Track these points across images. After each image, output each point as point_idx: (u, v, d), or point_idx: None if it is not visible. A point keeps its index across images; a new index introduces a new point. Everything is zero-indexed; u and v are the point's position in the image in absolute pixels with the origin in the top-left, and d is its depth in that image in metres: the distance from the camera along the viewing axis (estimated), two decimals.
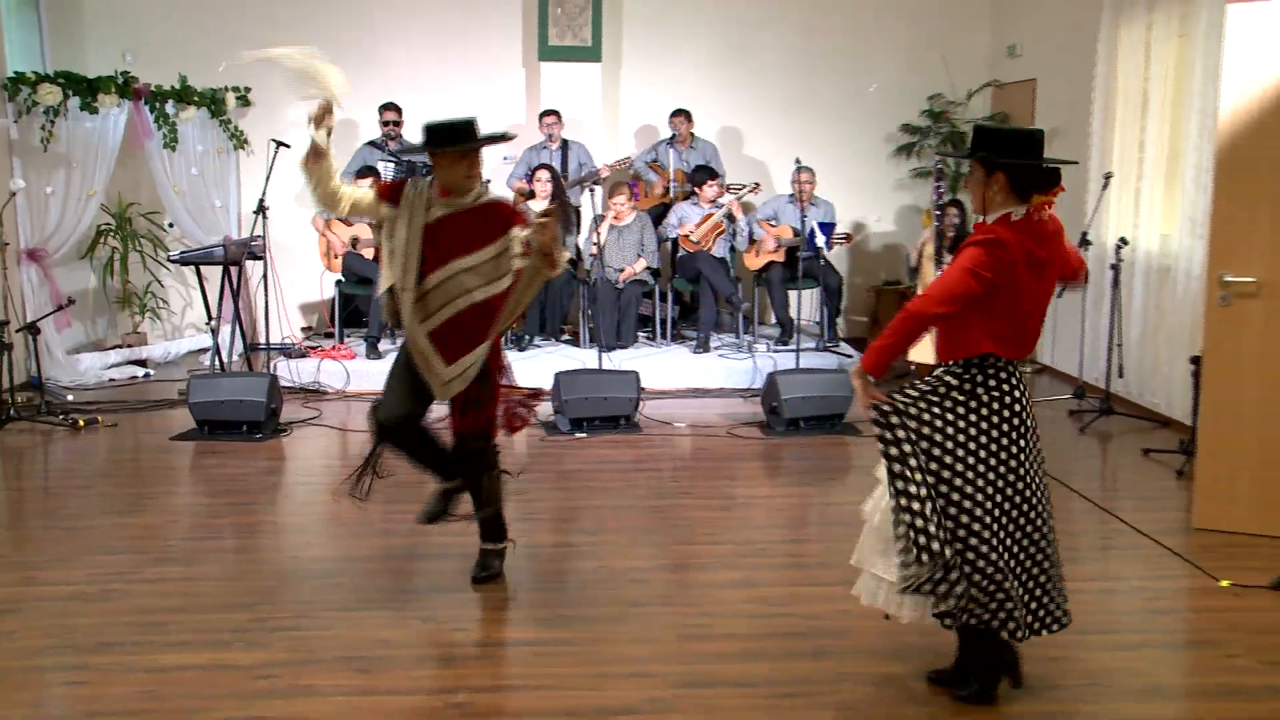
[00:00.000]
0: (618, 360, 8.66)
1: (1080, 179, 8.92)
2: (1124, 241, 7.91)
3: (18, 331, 7.89)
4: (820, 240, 9.09)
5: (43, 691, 4.06)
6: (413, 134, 10.26)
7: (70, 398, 8.52)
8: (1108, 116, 8.52)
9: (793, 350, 8.87)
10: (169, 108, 9.56)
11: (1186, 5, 7.57)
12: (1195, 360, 6.31)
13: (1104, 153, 8.56)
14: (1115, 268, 7.88)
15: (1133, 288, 8.10)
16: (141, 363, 9.72)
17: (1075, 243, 8.31)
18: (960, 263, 3.70)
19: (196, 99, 9.75)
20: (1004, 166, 3.78)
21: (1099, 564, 5.40)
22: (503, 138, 5.06)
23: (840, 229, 9.75)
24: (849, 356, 9.16)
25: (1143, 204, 8.13)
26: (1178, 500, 6.13)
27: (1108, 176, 8.26)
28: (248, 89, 10.19)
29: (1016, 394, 3.82)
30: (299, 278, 10.27)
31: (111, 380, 9.24)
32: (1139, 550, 5.42)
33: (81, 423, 7.73)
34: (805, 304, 10.33)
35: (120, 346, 9.95)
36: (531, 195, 9.48)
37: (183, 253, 9.11)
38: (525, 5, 10.60)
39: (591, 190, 9.74)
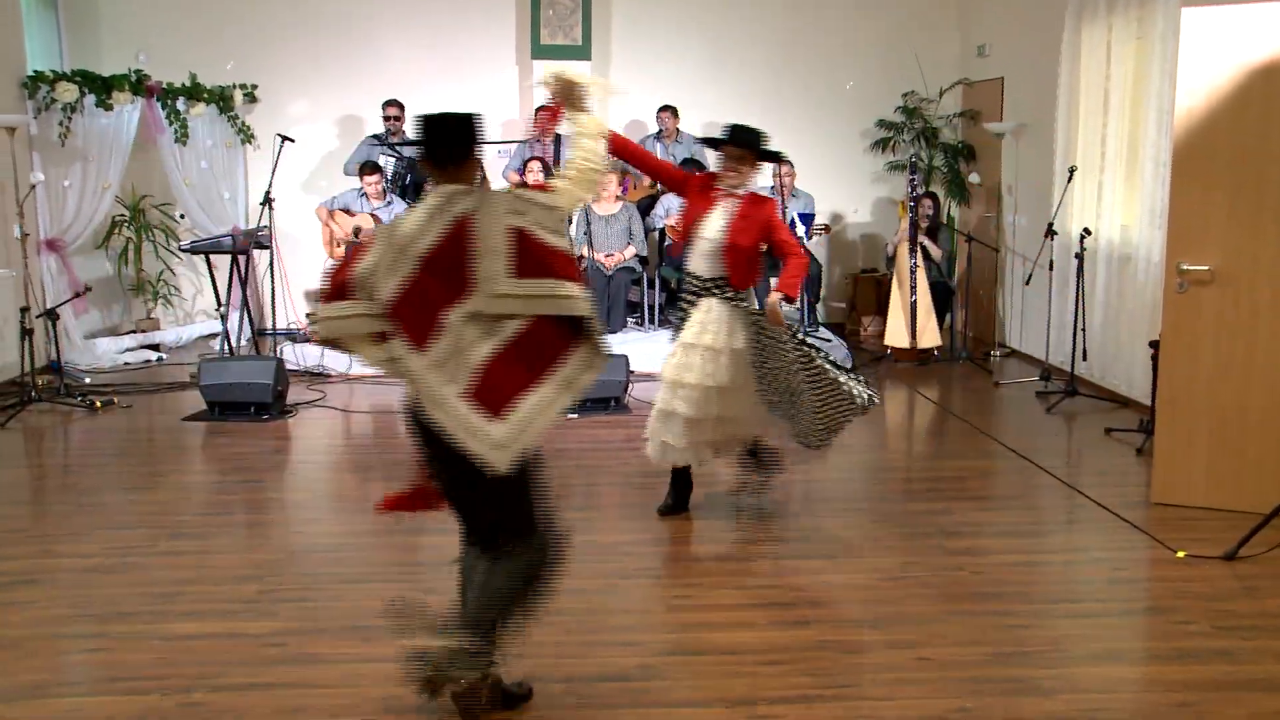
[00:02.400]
0: (608, 344, 8.64)
1: (1046, 173, 8.94)
2: (1087, 232, 7.92)
3: (38, 317, 7.86)
4: (800, 230, 9.09)
5: (63, 658, 4.06)
6: (413, 129, 10.23)
7: (88, 380, 8.50)
8: (1071, 113, 8.52)
9: None
10: (180, 104, 9.53)
11: (1144, 9, 7.57)
12: (1154, 344, 6.32)
13: (1068, 147, 8.56)
14: (1079, 256, 7.89)
15: (1095, 275, 8.11)
16: (155, 347, 9.69)
17: (1042, 233, 8.38)
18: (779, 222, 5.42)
19: (206, 96, 9.71)
20: (763, 155, 5.25)
21: (1063, 536, 5.43)
22: None
23: (819, 220, 9.75)
24: (828, 341, 9.17)
25: (1105, 196, 8.14)
26: (1137, 476, 6.16)
27: (1072, 170, 8.28)
28: (254, 86, 10.15)
29: None
30: (303, 266, 10.21)
31: (126, 364, 9.21)
32: (1100, 523, 5.45)
33: (99, 404, 7.72)
34: None
35: (134, 332, 9.92)
36: (525, 186, 9.45)
37: (193, 242, 9.08)
38: (518, 6, 10.57)
39: None
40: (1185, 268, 5.44)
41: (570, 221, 9.80)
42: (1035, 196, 9.34)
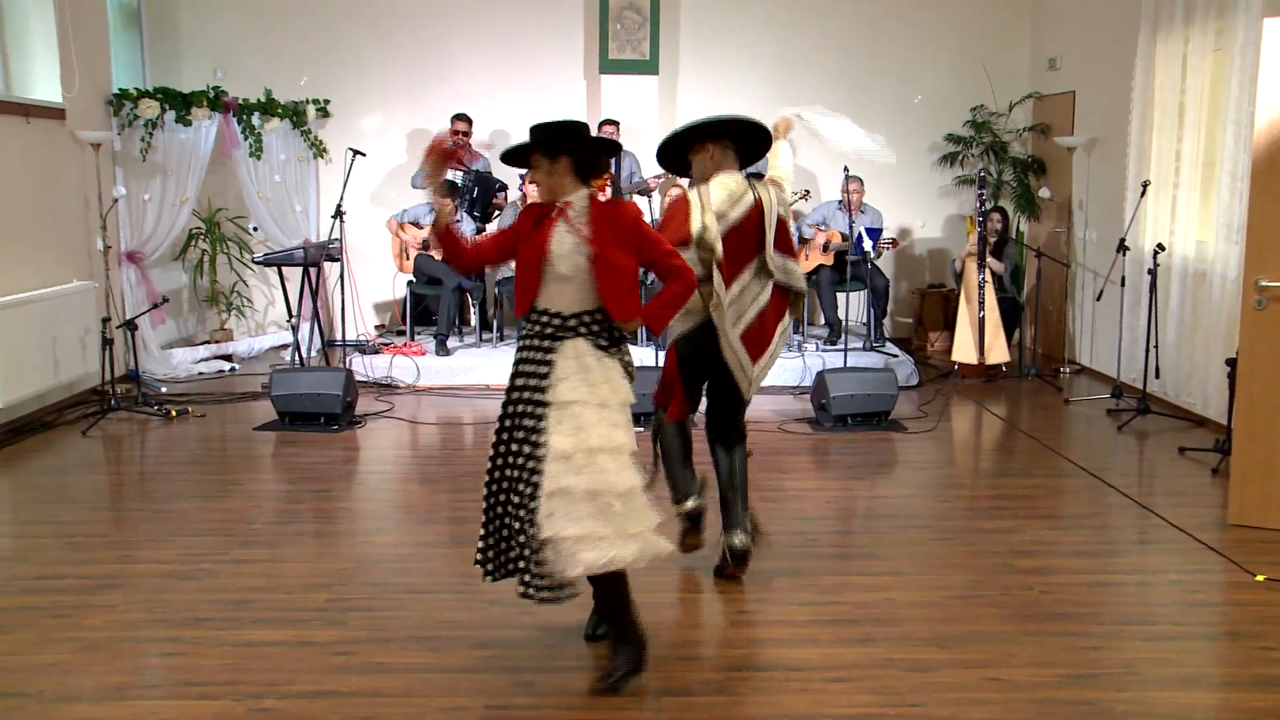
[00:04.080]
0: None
1: (1118, 187, 8.80)
2: (1161, 247, 7.77)
3: (118, 328, 8.01)
4: (867, 245, 9.03)
5: (141, 661, 4.12)
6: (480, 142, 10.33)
7: (164, 389, 8.64)
8: (1145, 126, 8.38)
9: (840, 350, 8.81)
10: (255, 119, 9.67)
11: (1223, 20, 7.43)
12: (1230, 362, 6.19)
13: (1141, 161, 8.42)
14: (1152, 272, 7.75)
15: (1169, 291, 7.96)
16: (228, 357, 9.83)
17: (1114, 248, 8.25)
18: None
19: (280, 111, 9.86)
20: (579, 151, 3.88)
21: (1136, 557, 5.32)
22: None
23: (887, 234, 9.67)
24: (895, 356, 9.09)
25: (1179, 211, 7.99)
26: (1213, 497, 6.02)
27: (1145, 185, 8.13)
28: (327, 101, 10.28)
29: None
30: (373, 278, 10.35)
31: (200, 374, 9.35)
32: (1175, 545, 5.33)
33: (174, 413, 7.84)
34: (853, 305, 10.26)
35: (209, 342, 10.07)
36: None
37: (266, 255, 9.20)
38: (586, 21, 10.62)
39: (648, 196, 9.73)
40: (1264, 284, 5.31)
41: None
42: (1107, 211, 9.19)
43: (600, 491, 3.67)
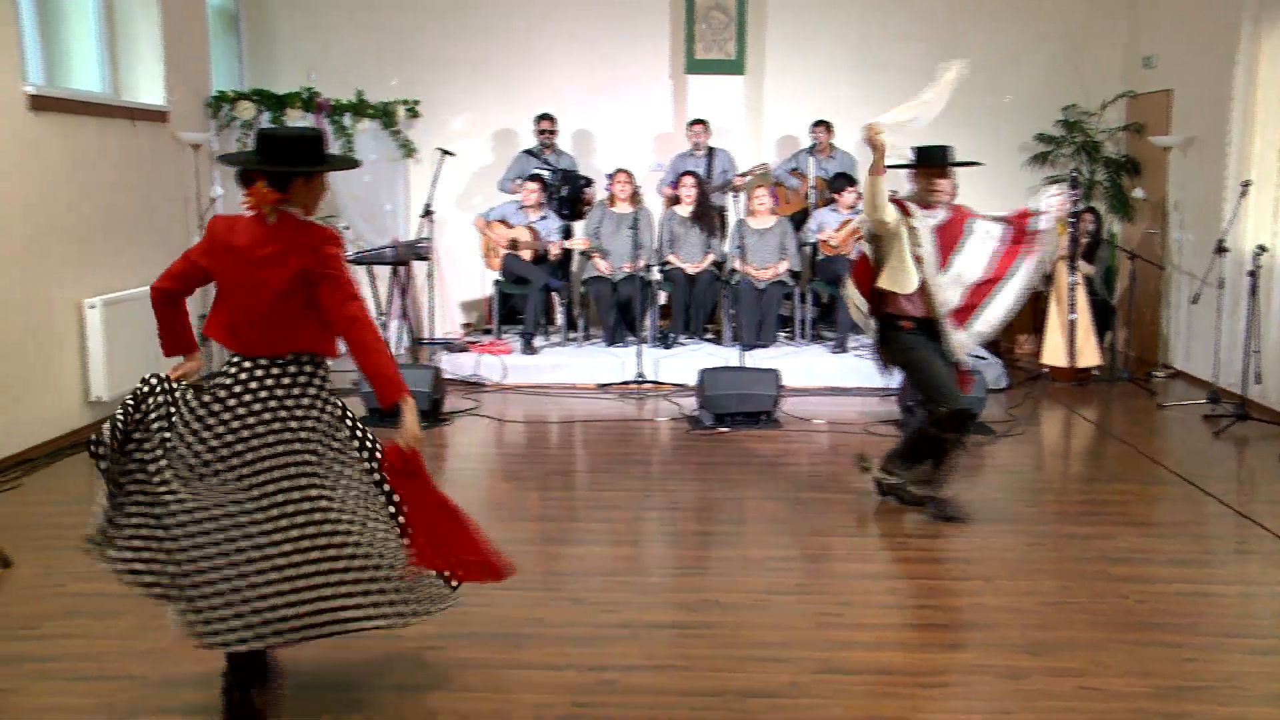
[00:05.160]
0: (759, 358, 8.59)
1: (1216, 187, 8.56)
2: (1262, 248, 7.54)
3: None
4: None
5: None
6: (566, 142, 10.38)
7: None
8: (1246, 125, 8.14)
9: None
10: (346, 120, 9.81)
11: None
12: None
13: (1241, 161, 8.18)
14: (1253, 274, 7.52)
15: (1270, 294, 7.72)
16: None
17: (1211, 250, 8.03)
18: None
19: (371, 111, 9.98)
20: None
21: (1236, 567, 5.15)
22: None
23: None
24: (983, 358, 8.93)
25: (1263, 215, 7.75)
26: None
27: (1246, 184, 7.90)
28: (417, 101, 10.38)
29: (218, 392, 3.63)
30: (461, 277, 10.44)
31: None
32: (1276, 555, 5.16)
33: None
34: None
35: None
36: (677, 200, 9.48)
37: (356, 253, 9.33)
38: (673, 21, 10.60)
39: (735, 195, 9.69)
40: None
41: (723, 234, 9.76)
42: (1204, 212, 8.94)
43: None
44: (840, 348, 9.16)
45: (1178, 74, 9.57)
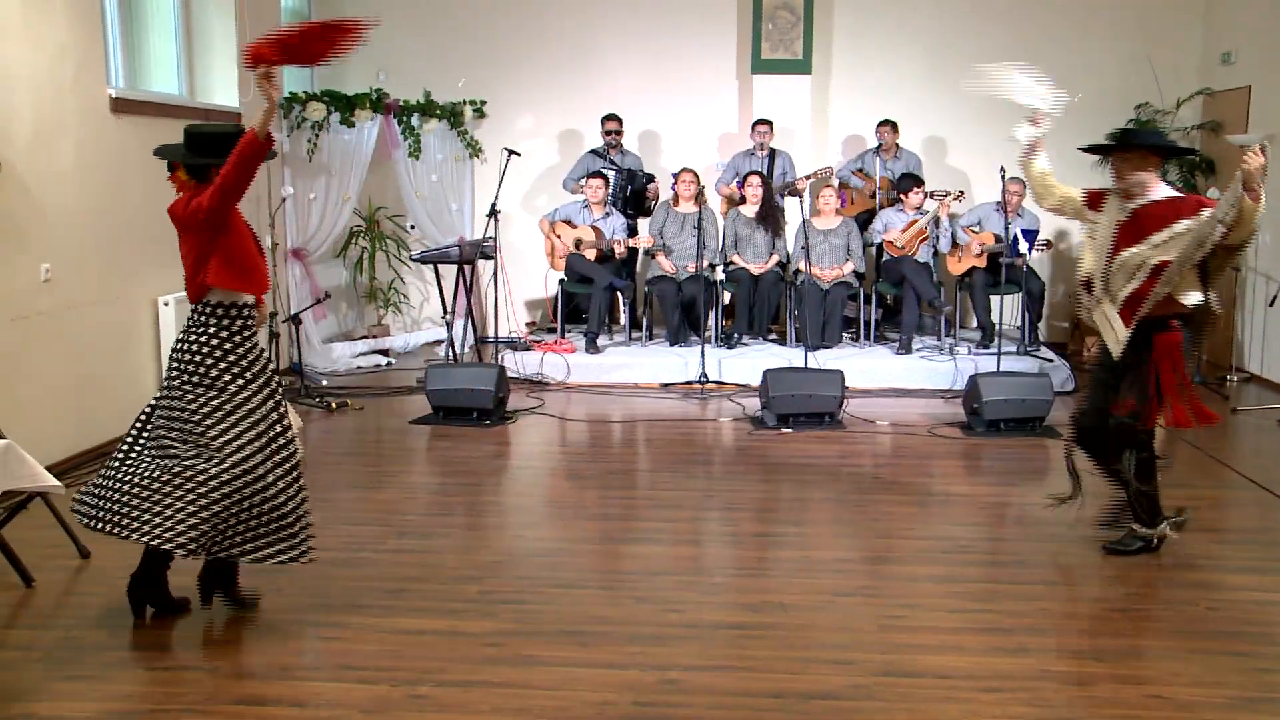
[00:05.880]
0: (823, 359, 8.57)
1: None
2: None
3: (284, 322, 8.32)
4: (1023, 247, 8.80)
5: (305, 643, 4.27)
6: (631, 143, 10.42)
7: (325, 382, 8.93)
8: None
9: (994, 353, 8.61)
10: (414, 120, 9.92)
11: None
12: None
13: None
14: None
15: None
16: (384, 352, 10.10)
17: None
18: None
19: (438, 112, 10.09)
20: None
21: None
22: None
23: (1042, 236, 9.40)
24: (1050, 360, 8.84)
25: None
26: None
27: None
28: (483, 102, 10.48)
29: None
30: (525, 276, 10.52)
31: (359, 367, 9.63)
32: None
33: (334, 405, 8.11)
34: (1007, 308, 10.00)
35: (366, 337, 10.37)
36: (742, 200, 9.48)
37: (423, 252, 9.44)
38: (740, 21, 10.60)
39: (799, 196, 9.67)
40: None
41: (784, 234, 9.75)
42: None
43: None
44: (905, 349, 9.11)
45: (1257, 70, 9.39)
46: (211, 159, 4.14)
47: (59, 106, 6.46)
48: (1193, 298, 4.95)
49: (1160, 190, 5.09)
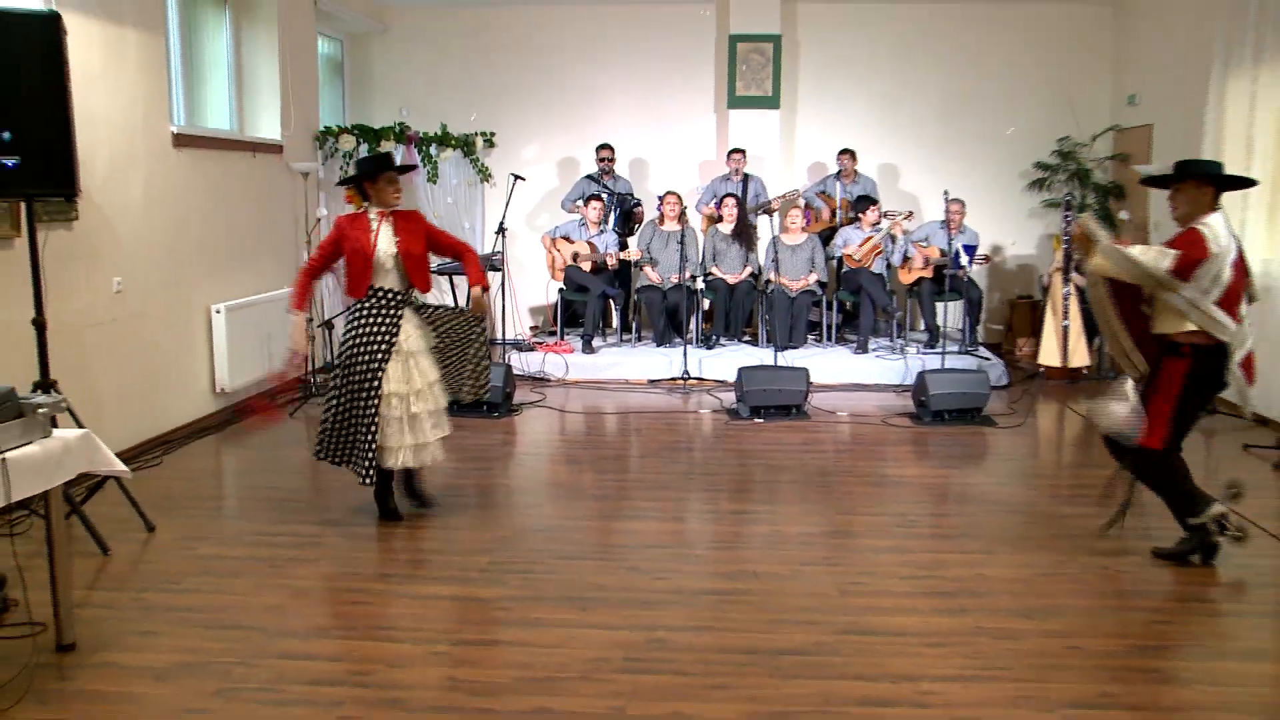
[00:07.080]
0: (790, 358, 8.62)
1: None
2: None
3: (318, 327, 8.34)
4: (964, 260, 8.88)
5: (340, 607, 4.32)
6: (623, 168, 10.45)
7: None
8: (1216, 156, 8.02)
9: (939, 353, 8.69)
10: (432, 149, 9.93)
11: None
12: None
13: None
14: None
15: None
16: None
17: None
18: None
19: (453, 142, 10.08)
20: None
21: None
22: None
23: (981, 250, 9.49)
24: (987, 359, 8.92)
25: (1247, 233, 7.63)
26: (1275, 489, 5.79)
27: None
28: (493, 133, 10.47)
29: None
30: (529, 286, 10.55)
31: None
32: (1254, 540, 5.12)
33: None
34: (950, 314, 10.08)
35: None
36: (720, 219, 9.53)
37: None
38: (717, 63, 10.65)
39: (770, 215, 9.71)
40: None
41: (757, 249, 9.79)
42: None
43: (435, 411, 5.21)
44: (861, 349, 9.17)
45: (1158, 111, 9.49)
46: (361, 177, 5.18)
47: (131, 142, 6.48)
48: (1180, 326, 4.59)
49: (1199, 221, 4.60)
